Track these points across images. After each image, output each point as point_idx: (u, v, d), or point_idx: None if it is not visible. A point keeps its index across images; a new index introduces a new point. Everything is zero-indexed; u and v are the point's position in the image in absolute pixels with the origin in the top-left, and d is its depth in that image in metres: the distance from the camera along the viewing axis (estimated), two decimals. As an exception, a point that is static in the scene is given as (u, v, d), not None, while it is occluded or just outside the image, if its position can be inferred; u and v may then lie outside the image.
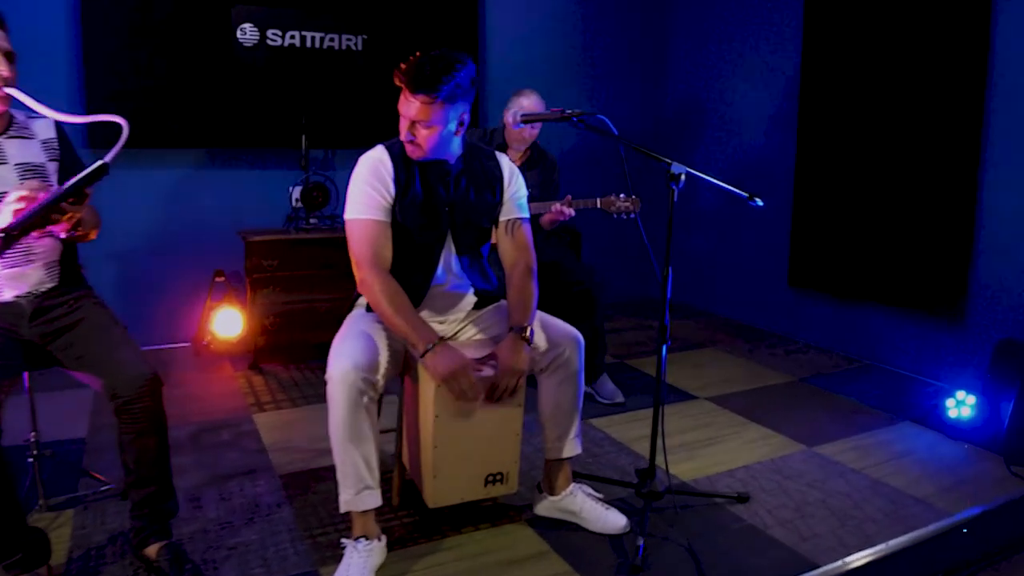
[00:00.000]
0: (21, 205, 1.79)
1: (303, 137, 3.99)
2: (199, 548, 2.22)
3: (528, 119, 2.17)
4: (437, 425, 2.10)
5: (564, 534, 2.33)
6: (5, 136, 2.03)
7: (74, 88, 3.76)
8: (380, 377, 2.08)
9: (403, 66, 2.08)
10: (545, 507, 2.41)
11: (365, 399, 2.02)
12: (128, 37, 3.74)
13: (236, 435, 3.04)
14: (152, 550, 2.05)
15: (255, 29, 3.92)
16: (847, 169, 4.01)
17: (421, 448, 2.19)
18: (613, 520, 2.34)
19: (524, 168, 3.46)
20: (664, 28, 5.36)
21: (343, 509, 2.07)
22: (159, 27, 3.78)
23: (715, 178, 2.34)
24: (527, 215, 2.41)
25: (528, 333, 2.16)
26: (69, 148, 2.17)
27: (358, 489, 2.05)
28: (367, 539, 2.07)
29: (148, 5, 3.74)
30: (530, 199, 3.41)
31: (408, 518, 2.40)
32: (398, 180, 2.19)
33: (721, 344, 4.44)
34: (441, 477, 2.15)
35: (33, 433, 2.33)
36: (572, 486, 2.40)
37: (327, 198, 4.03)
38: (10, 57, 1.96)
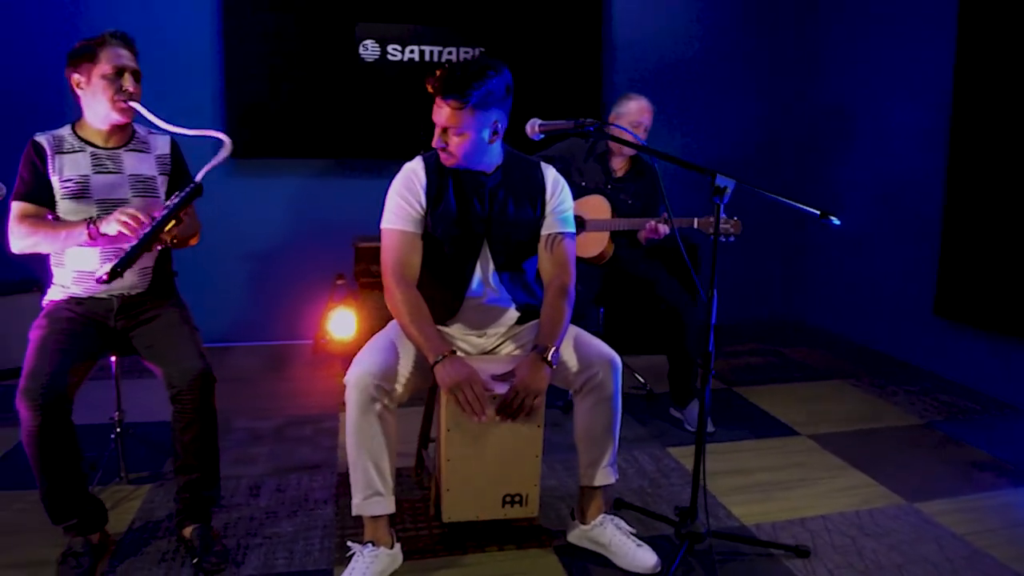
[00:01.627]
0: (126, 219, 2.00)
1: (421, 149, 4.13)
2: (239, 533, 2.36)
3: (545, 129, 2.09)
4: (449, 439, 2.08)
5: (589, 567, 2.21)
6: (125, 148, 2.28)
7: (217, 101, 4.16)
8: (399, 386, 2.10)
9: (437, 72, 2.09)
10: (576, 535, 2.31)
11: (378, 406, 2.04)
12: (264, 55, 4.08)
13: (316, 431, 3.21)
14: (188, 530, 2.21)
15: (376, 45, 4.13)
16: (1008, 188, 3.48)
17: (439, 460, 2.18)
18: (642, 558, 2.18)
19: (626, 179, 3.34)
20: (811, 35, 4.94)
21: (353, 512, 2.11)
22: (291, 46, 4.10)
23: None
24: (571, 229, 2.32)
25: (550, 354, 2.08)
26: (180, 164, 2.39)
27: (367, 494, 2.08)
28: (374, 545, 2.10)
29: (282, 26, 4.07)
30: (631, 212, 3.30)
31: (438, 529, 2.39)
32: (430, 191, 2.20)
33: (852, 375, 4.01)
34: (455, 491, 2.13)
35: (116, 413, 2.59)
36: (602, 516, 2.27)
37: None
38: (137, 76, 2.20)
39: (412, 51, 4.18)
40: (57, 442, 2.01)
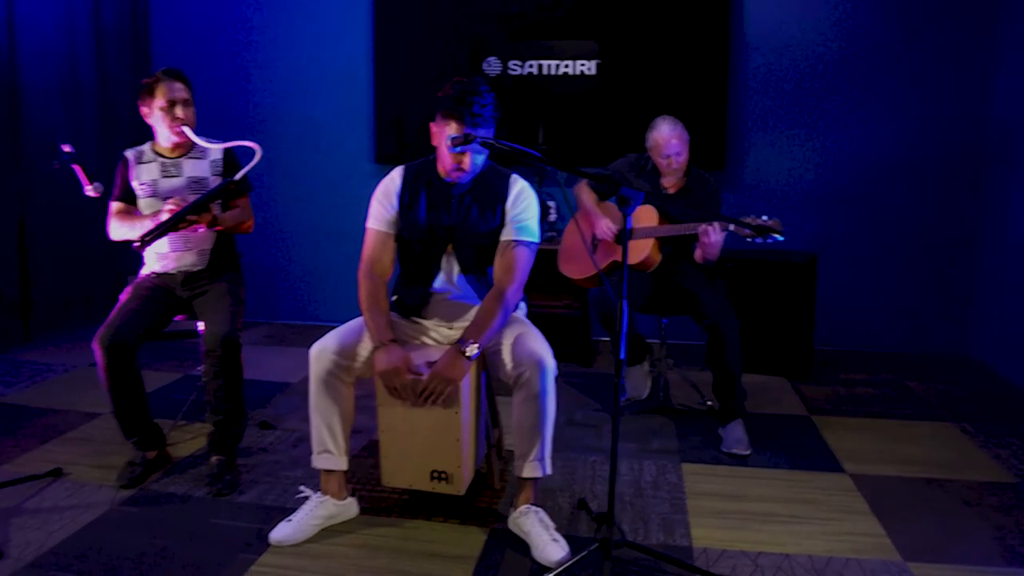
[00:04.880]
0: (170, 205, 2.66)
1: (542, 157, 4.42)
2: (261, 472, 2.89)
3: (456, 142, 2.28)
4: (382, 413, 2.39)
5: (506, 550, 2.37)
6: (186, 157, 2.92)
7: (370, 114, 4.81)
8: (357, 364, 2.45)
9: (456, 103, 2.33)
10: (510, 521, 2.48)
11: (334, 378, 2.42)
12: (405, 74, 4.67)
13: (384, 403, 3.66)
14: (213, 460, 2.78)
15: (498, 61, 4.49)
16: None
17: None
18: (551, 552, 2.29)
19: (677, 197, 3.33)
20: (987, 32, 4.28)
21: (312, 465, 2.50)
22: (427, 65, 4.63)
23: None
24: (529, 239, 2.48)
25: (469, 348, 2.29)
26: (231, 167, 2.95)
27: (319, 450, 2.46)
28: (322, 494, 2.48)
29: (422, 47, 4.62)
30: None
31: (406, 496, 2.69)
32: (402, 197, 2.52)
33: (972, 419, 3.49)
34: (389, 459, 2.43)
35: (201, 366, 3.26)
36: (527, 506, 2.42)
37: (546, 213, 4.40)
38: (187, 103, 2.84)
39: (531, 66, 4.47)
40: (121, 378, 2.67)
